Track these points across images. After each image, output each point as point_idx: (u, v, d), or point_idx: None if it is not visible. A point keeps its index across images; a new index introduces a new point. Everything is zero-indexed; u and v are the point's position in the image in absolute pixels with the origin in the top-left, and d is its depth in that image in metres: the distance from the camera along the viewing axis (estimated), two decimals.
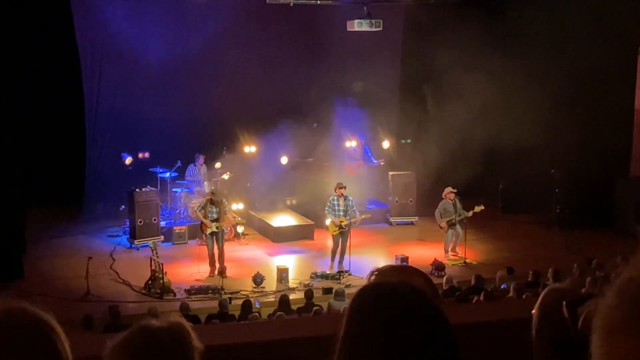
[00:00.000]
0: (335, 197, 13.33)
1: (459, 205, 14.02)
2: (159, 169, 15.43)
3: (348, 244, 13.23)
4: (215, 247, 13.09)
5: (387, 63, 17.74)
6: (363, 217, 13.82)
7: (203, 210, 13.13)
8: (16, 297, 1.50)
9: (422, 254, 13.93)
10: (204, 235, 13.32)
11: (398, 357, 1.35)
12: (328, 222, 13.44)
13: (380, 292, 1.46)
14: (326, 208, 13.45)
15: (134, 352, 1.68)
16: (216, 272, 12.96)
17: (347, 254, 13.23)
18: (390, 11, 16.27)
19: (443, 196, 14.15)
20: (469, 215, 13.95)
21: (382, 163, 16.79)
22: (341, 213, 13.23)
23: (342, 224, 13.17)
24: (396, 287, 1.46)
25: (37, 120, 15.88)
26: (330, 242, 13.62)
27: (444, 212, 14.03)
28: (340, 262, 13.24)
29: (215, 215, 13.07)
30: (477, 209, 13.93)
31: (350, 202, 13.36)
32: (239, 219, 15.47)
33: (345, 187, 13.41)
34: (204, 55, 16.63)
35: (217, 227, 13.04)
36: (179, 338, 1.73)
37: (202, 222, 13.18)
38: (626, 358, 0.89)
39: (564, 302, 1.40)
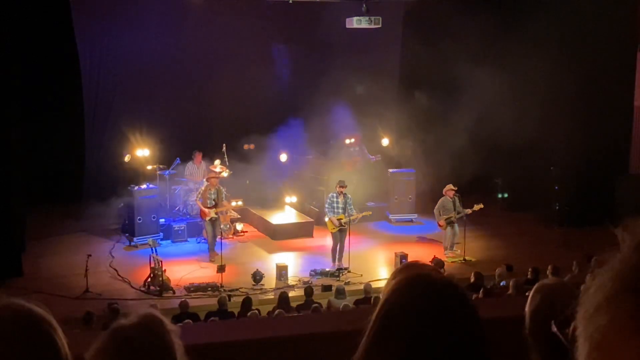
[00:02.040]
0: (335, 195, 13.36)
1: (458, 203, 14.01)
2: (158, 167, 15.43)
3: (347, 241, 13.25)
4: (213, 233, 13.72)
5: (386, 60, 17.74)
6: (363, 214, 13.82)
7: (202, 198, 13.77)
8: (14, 295, 1.50)
9: (422, 251, 13.94)
10: (204, 222, 13.89)
11: (427, 346, 1.36)
12: (327, 219, 13.46)
13: (417, 282, 1.46)
14: (326, 205, 13.48)
15: (111, 355, 1.68)
16: (215, 256, 13.31)
17: (347, 251, 13.24)
18: (389, 8, 16.26)
19: (443, 193, 14.15)
20: (468, 213, 13.96)
21: (378, 159, 16.78)
22: (340, 210, 13.26)
23: (342, 221, 13.19)
24: (434, 279, 1.46)
25: (37, 118, 15.87)
26: (329, 240, 13.64)
27: (443, 209, 14.03)
28: (339, 259, 13.26)
29: (213, 202, 13.70)
30: (476, 207, 13.94)
31: (349, 200, 13.39)
32: (236, 214, 15.50)
33: (346, 186, 13.43)
34: (204, 53, 16.63)
35: (215, 213, 13.69)
36: (152, 329, 1.72)
37: (201, 210, 13.77)
38: (610, 334, 0.90)
39: (553, 322, 1.42)
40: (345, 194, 13.37)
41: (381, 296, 1.50)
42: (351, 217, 13.32)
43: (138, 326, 1.72)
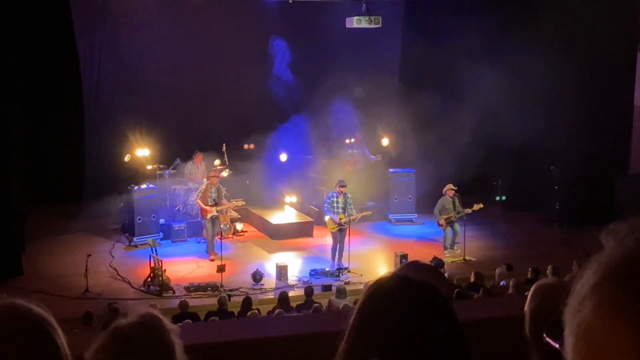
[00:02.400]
0: (335, 194, 13.36)
1: (457, 202, 14.01)
2: (158, 167, 15.43)
3: (347, 240, 13.25)
4: (213, 232, 13.77)
5: (386, 59, 17.73)
6: (363, 214, 13.82)
7: (202, 197, 13.83)
8: (14, 295, 1.50)
9: (422, 251, 13.94)
10: (204, 221, 13.94)
11: (405, 348, 1.36)
12: (327, 218, 13.46)
13: (395, 284, 1.46)
14: (325, 204, 13.47)
15: (112, 355, 1.68)
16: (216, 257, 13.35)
17: (347, 251, 13.24)
18: (389, 8, 16.26)
19: (443, 192, 14.15)
20: (468, 213, 13.95)
21: (379, 159, 16.78)
22: (340, 210, 13.27)
23: (341, 221, 13.20)
24: (412, 281, 1.46)
25: (37, 117, 15.88)
26: (329, 240, 13.64)
27: (443, 209, 14.03)
28: (339, 259, 13.26)
29: (213, 201, 13.79)
30: (476, 207, 13.94)
31: (349, 200, 13.40)
32: (236, 213, 15.50)
33: (345, 186, 13.43)
34: (203, 53, 16.62)
35: (216, 211, 13.75)
36: (151, 328, 1.73)
37: (202, 208, 13.80)
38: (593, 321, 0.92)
39: (544, 334, 1.42)
40: (345, 193, 13.38)
41: (360, 297, 1.51)
42: (351, 217, 13.33)
43: (137, 325, 1.73)
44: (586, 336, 0.93)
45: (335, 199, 13.34)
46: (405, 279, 1.47)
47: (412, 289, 1.44)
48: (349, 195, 13.51)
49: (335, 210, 13.29)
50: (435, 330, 1.38)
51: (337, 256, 13.29)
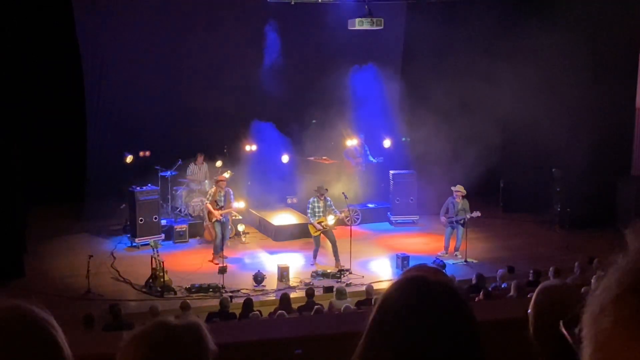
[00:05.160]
0: (315, 199, 13.45)
1: (462, 206, 13.88)
2: (159, 168, 15.44)
3: (348, 242, 13.23)
4: (221, 235, 13.75)
5: (388, 61, 17.72)
6: (343, 215, 13.77)
7: (212, 200, 13.83)
8: (14, 296, 1.50)
9: (423, 252, 13.94)
10: (210, 223, 13.96)
11: (424, 347, 1.36)
12: (309, 223, 13.52)
13: (412, 284, 1.46)
14: (308, 211, 13.53)
15: (152, 345, 1.70)
16: (220, 258, 13.40)
17: (348, 253, 13.22)
18: (391, 9, 16.26)
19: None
20: (467, 218, 13.86)
21: (380, 160, 16.77)
22: (321, 214, 13.37)
23: (322, 224, 13.29)
24: (429, 281, 1.46)
25: (38, 118, 15.89)
26: (329, 242, 13.61)
27: (446, 208, 14.00)
28: (337, 259, 13.28)
29: (222, 202, 13.74)
30: (474, 214, 13.80)
31: (329, 203, 13.49)
32: (239, 216, 15.51)
33: (323, 194, 13.45)
34: (205, 54, 16.62)
35: (221, 215, 13.69)
36: (196, 337, 1.75)
37: (209, 211, 13.83)
38: (613, 331, 0.91)
39: (561, 322, 1.42)
40: (325, 197, 13.47)
41: (378, 298, 1.51)
42: (347, 219, 13.46)
43: (184, 329, 1.76)
44: (604, 348, 0.92)
45: (316, 204, 13.45)
46: (423, 279, 1.46)
47: (430, 288, 1.44)
48: (329, 198, 13.60)
49: (317, 214, 13.39)
50: (454, 330, 1.38)
51: (316, 255, 13.47)
